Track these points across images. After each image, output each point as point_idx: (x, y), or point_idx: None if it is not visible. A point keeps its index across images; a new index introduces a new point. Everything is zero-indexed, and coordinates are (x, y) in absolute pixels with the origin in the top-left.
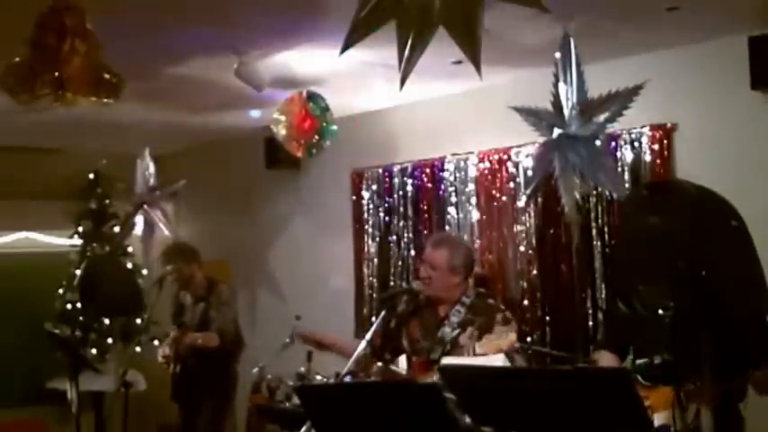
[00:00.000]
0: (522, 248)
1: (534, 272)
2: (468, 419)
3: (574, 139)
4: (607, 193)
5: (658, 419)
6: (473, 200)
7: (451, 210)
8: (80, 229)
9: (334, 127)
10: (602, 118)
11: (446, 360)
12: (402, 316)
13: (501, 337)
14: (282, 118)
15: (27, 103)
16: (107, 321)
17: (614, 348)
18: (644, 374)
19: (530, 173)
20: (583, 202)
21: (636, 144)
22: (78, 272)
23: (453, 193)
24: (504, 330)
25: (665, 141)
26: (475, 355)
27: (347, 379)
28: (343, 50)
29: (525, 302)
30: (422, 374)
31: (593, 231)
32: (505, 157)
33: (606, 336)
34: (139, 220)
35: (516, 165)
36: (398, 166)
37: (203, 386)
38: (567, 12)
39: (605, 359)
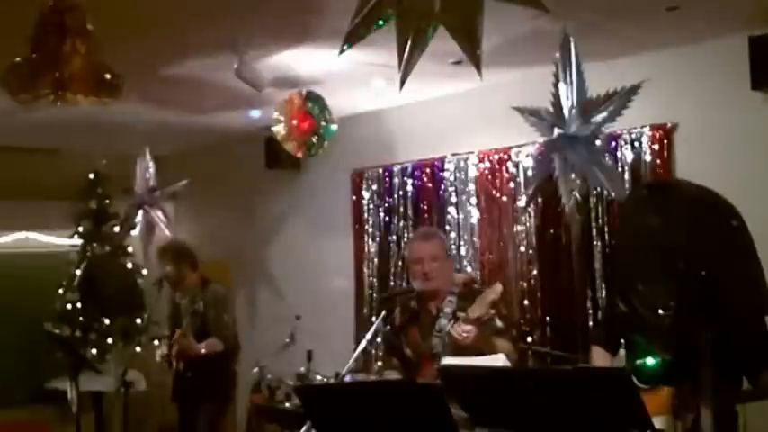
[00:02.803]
0: (522, 248)
1: (534, 272)
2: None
3: (574, 139)
4: (607, 192)
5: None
6: (473, 200)
7: (451, 210)
8: (80, 229)
9: (334, 127)
10: (600, 118)
11: (447, 360)
12: (400, 327)
13: (486, 296)
14: (282, 118)
15: (27, 103)
16: (107, 321)
17: (605, 346)
18: (639, 377)
19: (530, 173)
20: (583, 202)
21: (636, 144)
22: (78, 272)
23: (453, 193)
24: (486, 293)
25: (665, 141)
26: (469, 320)
27: (347, 379)
28: (342, 50)
29: (525, 302)
30: (426, 368)
31: (594, 231)
32: (505, 157)
33: (601, 331)
34: (139, 220)
35: (516, 165)
36: (398, 166)
37: (202, 387)
38: (566, 11)
39: (596, 355)
